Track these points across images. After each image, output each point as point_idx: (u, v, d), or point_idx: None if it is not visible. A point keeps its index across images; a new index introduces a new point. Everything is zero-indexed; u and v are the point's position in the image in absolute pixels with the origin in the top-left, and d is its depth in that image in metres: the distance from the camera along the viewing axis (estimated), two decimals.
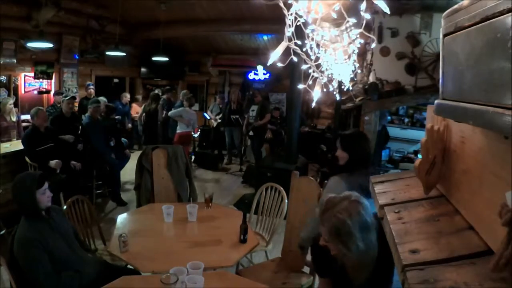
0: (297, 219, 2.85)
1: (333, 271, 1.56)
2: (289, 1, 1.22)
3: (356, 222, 1.32)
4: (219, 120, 7.71)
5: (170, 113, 6.43)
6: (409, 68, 4.61)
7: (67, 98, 4.97)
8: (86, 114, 5.12)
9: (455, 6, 0.91)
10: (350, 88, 3.94)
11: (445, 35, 0.98)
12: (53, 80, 6.75)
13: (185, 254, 2.26)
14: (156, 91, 8.08)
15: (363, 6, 1.18)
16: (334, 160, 2.47)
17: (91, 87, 6.84)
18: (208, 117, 8.12)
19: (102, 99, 5.94)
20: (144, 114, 7.50)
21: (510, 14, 0.62)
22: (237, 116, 6.98)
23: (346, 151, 2.32)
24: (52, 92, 6.76)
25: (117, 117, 6.40)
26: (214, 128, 7.84)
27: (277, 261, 2.85)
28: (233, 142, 7.48)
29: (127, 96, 7.88)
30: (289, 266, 2.71)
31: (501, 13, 0.65)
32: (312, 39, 1.41)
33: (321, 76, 1.82)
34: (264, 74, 8.48)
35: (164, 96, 7.45)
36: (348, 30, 1.57)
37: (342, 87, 3.30)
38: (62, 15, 6.06)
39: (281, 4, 1.23)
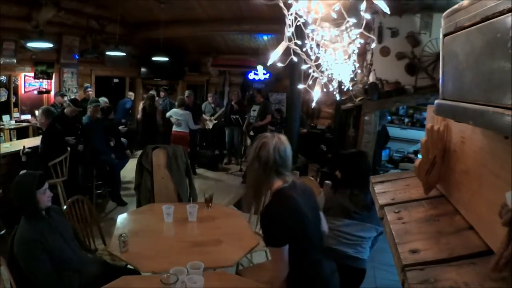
0: None
1: None
2: (289, 1, 1.22)
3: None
4: (215, 121, 7.67)
5: (166, 114, 6.64)
6: (409, 68, 4.61)
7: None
8: (86, 115, 5.13)
9: (455, 6, 0.91)
10: (350, 88, 3.94)
11: (445, 35, 0.98)
12: (53, 80, 6.75)
13: (185, 254, 2.26)
14: (152, 92, 8.11)
15: (363, 6, 1.18)
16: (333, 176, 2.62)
17: (89, 89, 6.84)
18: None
19: (103, 99, 5.95)
20: (141, 114, 7.55)
21: (510, 14, 0.62)
22: (237, 116, 6.98)
23: (339, 170, 2.56)
24: (52, 93, 6.76)
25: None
26: (213, 128, 7.80)
27: None
28: (233, 142, 7.46)
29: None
30: None
31: (501, 13, 0.65)
32: (312, 39, 1.41)
33: (321, 76, 1.82)
34: (264, 74, 8.48)
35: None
36: (348, 30, 1.57)
37: (342, 87, 3.30)
38: (62, 15, 6.06)
39: (281, 4, 1.23)
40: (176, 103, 6.57)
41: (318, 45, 1.55)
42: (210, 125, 7.72)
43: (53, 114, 4.50)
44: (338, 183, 2.55)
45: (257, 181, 1.71)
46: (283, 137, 1.75)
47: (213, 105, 7.90)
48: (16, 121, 6.09)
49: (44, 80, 6.60)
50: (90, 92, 6.77)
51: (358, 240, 2.34)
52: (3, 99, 5.96)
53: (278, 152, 1.67)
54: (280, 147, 1.68)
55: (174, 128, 6.35)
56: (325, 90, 1.89)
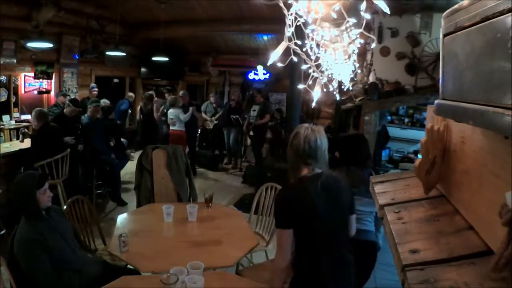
0: None
1: None
2: (289, 1, 1.21)
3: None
4: (216, 122, 7.67)
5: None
6: (409, 68, 4.61)
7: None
8: (86, 114, 5.13)
9: (455, 6, 0.91)
10: (350, 88, 3.93)
11: (445, 35, 0.98)
12: (53, 80, 6.75)
13: (185, 254, 2.26)
14: (151, 92, 8.12)
15: (363, 6, 1.18)
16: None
17: (95, 89, 6.83)
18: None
19: (104, 101, 5.95)
20: (140, 114, 7.55)
21: (510, 14, 0.62)
22: (237, 116, 6.98)
23: (337, 150, 2.58)
24: (52, 93, 6.76)
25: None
26: (213, 128, 7.80)
27: None
28: (230, 143, 7.46)
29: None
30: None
31: (501, 13, 0.65)
32: (312, 39, 1.41)
33: (321, 76, 1.82)
34: (264, 74, 8.47)
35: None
36: (348, 30, 1.57)
37: (342, 87, 3.29)
38: (62, 15, 6.05)
39: (281, 4, 1.23)
40: (167, 104, 6.57)
41: (318, 45, 1.55)
42: (211, 125, 7.72)
43: (46, 116, 4.49)
44: (336, 163, 2.57)
45: (290, 168, 1.81)
46: (317, 128, 1.80)
47: (214, 105, 7.90)
48: (16, 121, 6.08)
49: (44, 80, 6.59)
50: (95, 92, 6.76)
51: (360, 214, 2.34)
52: (3, 99, 5.95)
53: (308, 142, 1.73)
54: (311, 138, 1.74)
55: (171, 127, 6.40)
56: (325, 90, 1.89)
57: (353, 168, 2.43)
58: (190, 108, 6.51)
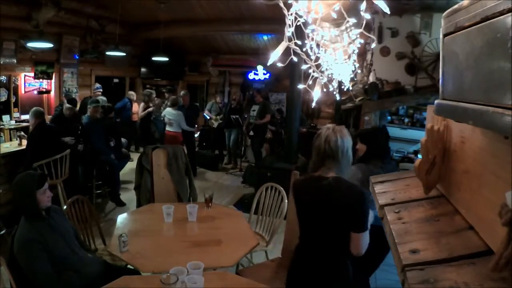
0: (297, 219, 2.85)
1: None
2: (289, 1, 1.21)
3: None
4: (220, 121, 7.69)
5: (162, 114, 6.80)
6: (409, 68, 4.62)
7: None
8: (86, 114, 5.12)
9: (455, 6, 0.91)
10: (350, 88, 3.94)
11: (445, 35, 0.98)
12: (53, 80, 6.75)
13: (185, 254, 2.26)
14: (150, 90, 8.13)
15: (363, 6, 1.18)
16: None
17: (99, 90, 6.84)
18: (208, 117, 8.11)
19: (102, 98, 5.96)
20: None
21: (510, 14, 0.62)
22: (237, 116, 6.99)
23: (364, 144, 2.65)
24: (52, 93, 6.76)
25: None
26: (215, 128, 7.83)
27: (277, 261, 2.85)
28: (231, 145, 7.49)
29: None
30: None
31: (501, 13, 0.65)
32: (312, 39, 1.41)
33: (321, 76, 1.82)
34: (264, 74, 8.46)
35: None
36: (348, 30, 1.57)
37: (342, 87, 3.30)
38: (62, 15, 6.05)
39: (281, 4, 1.23)
40: (169, 103, 6.58)
41: (318, 45, 1.55)
42: (215, 123, 7.75)
43: (43, 115, 4.49)
44: (364, 156, 2.67)
45: (311, 167, 1.86)
46: (339, 129, 1.80)
47: (220, 105, 7.93)
48: (16, 121, 6.08)
49: (44, 80, 6.59)
50: (99, 93, 6.77)
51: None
52: (3, 99, 5.94)
53: (328, 142, 1.74)
54: (332, 138, 1.75)
55: (167, 128, 6.40)
56: (325, 90, 1.89)
57: (379, 163, 2.55)
58: (196, 126, 6.74)
